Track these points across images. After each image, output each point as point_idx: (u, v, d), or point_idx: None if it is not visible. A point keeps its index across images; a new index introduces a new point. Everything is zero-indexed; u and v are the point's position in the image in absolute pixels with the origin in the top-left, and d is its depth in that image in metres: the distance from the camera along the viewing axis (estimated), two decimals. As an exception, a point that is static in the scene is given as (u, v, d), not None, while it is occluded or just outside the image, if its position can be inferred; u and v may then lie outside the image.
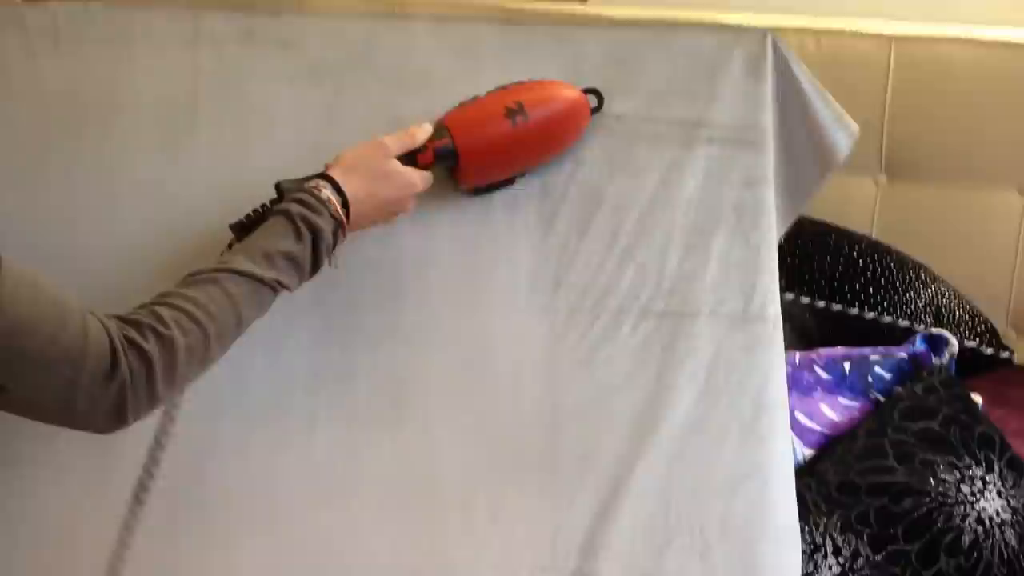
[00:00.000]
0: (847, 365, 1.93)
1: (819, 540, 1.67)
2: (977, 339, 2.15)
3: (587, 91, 1.52)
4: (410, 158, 1.37)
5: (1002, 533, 1.67)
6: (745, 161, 1.59)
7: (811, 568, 1.64)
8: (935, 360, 1.93)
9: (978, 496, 1.70)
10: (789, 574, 1.50)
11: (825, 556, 1.65)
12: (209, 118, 1.57)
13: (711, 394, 1.52)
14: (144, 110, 1.57)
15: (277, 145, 1.55)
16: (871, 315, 2.10)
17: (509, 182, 1.51)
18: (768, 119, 1.60)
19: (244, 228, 1.32)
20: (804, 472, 1.78)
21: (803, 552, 1.55)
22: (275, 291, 1.24)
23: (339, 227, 1.29)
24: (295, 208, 1.27)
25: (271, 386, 1.45)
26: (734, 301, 1.56)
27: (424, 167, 1.38)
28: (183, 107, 1.57)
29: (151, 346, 1.12)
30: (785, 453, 1.54)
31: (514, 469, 1.47)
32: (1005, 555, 1.66)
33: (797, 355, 1.95)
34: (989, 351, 2.14)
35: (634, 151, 1.57)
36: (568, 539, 1.45)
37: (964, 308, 2.18)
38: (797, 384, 1.90)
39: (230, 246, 1.33)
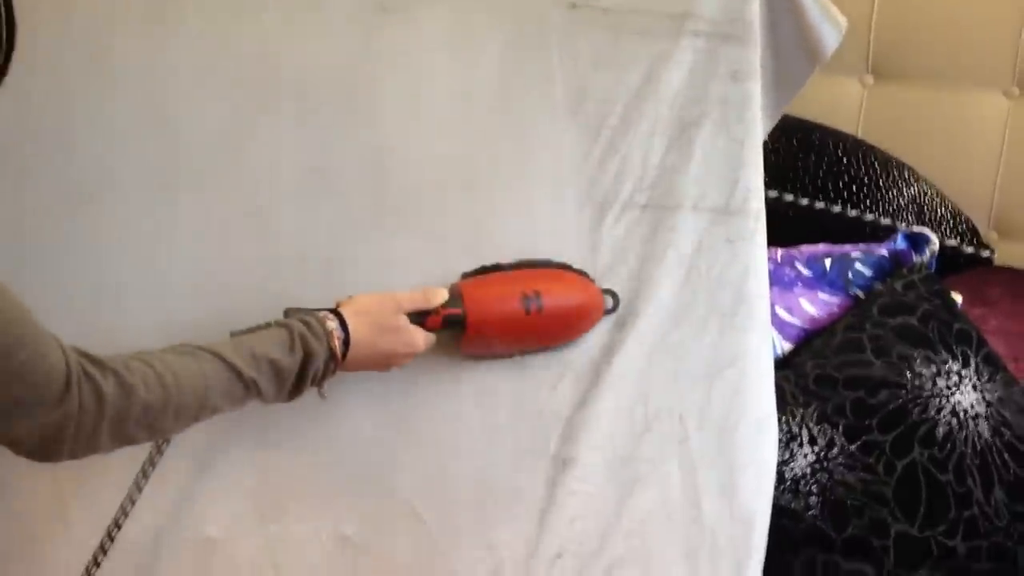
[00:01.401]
0: (828, 261, 1.95)
1: (795, 430, 1.70)
2: (958, 238, 2.17)
3: (605, 291, 1.51)
4: (419, 317, 1.36)
5: (976, 426, 1.70)
6: (731, 55, 1.58)
7: (786, 456, 1.67)
8: (916, 258, 1.95)
9: (953, 389, 1.73)
10: (765, 462, 1.54)
11: (801, 445, 1.69)
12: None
13: (691, 286, 1.54)
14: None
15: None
16: (853, 213, 2.12)
17: (508, 355, 1.50)
18: (755, 12, 1.58)
19: None
20: (782, 365, 1.80)
21: (779, 441, 1.58)
22: (249, 391, 1.21)
23: (332, 359, 1.28)
24: (297, 326, 1.26)
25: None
26: (717, 195, 1.57)
27: (431, 329, 1.38)
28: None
29: (109, 388, 1.08)
30: (764, 344, 1.57)
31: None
32: (978, 447, 1.69)
33: (779, 251, 1.96)
34: (970, 250, 2.16)
35: (620, 44, 1.56)
36: (549, 424, 1.48)
37: (946, 207, 2.20)
38: (778, 279, 1.92)
39: None
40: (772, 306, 1.86)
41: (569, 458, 1.47)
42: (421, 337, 1.36)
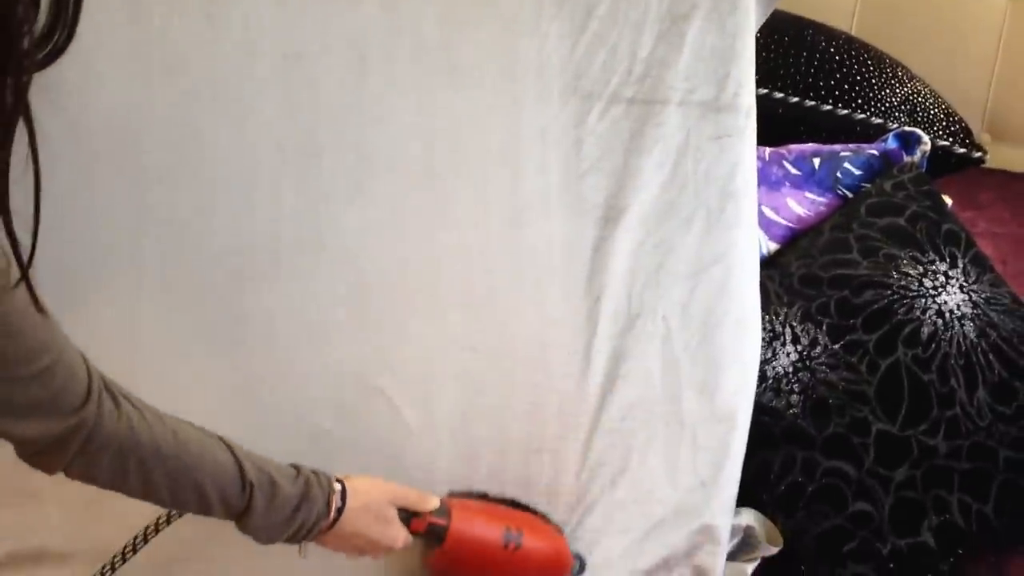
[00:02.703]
0: (817, 160, 1.93)
1: (779, 328, 1.69)
2: (950, 138, 2.14)
3: (575, 554, 1.46)
4: (405, 515, 1.33)
5: (961, 326, 1.70)
6: (724, -57, 1.53)
7: (769, 355, 1.67)
8: (907, 158, 1.92)
9: (940, 290, 1.72)
10: (748, 359, 1.54)
11: (784, 344, 1.69)
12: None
13: (678, 181, 1.52)
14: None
15: None
16: (844, 111, 2.09)
17: None
18: (749, -101, 1.54)
19: None
20: (768, 264, 1.79)
21: (762, 340, 1.58)
22: (243, 493, 1.16)
23: (323, 520, 1.23)
24: (306, 468, 1.23)
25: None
26: (706, 89, 1.53)
27: (413, 532, 1.34)
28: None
29: (129, 409, 1.07)
30: (750, 242, 1.56)
31: (480, 254, 1.47)
32: (963, 347, 1.69)
33: (767, 150, 1.94)
34: (962, 150, 2.14)
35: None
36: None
37: (939, 107, 2.17)
38: (765, 179, 1.90)
39: None
40: (759, 205, 1.85)
41: (552, 353, 1.47)
42: (401, 536, 1.33)
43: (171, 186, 1.38)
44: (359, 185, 1.42)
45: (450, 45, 1.47)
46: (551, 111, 1.50)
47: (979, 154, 2.16)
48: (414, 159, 1.45)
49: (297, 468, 1.23)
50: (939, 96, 2.19)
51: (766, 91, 2.07)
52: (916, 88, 2.16)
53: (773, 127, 1.98)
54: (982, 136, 2.32)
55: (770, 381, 1.66)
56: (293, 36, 1.41)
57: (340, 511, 1.25)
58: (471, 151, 1.46)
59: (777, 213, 1.89)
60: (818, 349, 1.68)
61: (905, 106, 2.12)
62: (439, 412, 1.44)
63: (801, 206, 1.90)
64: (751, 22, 1.55)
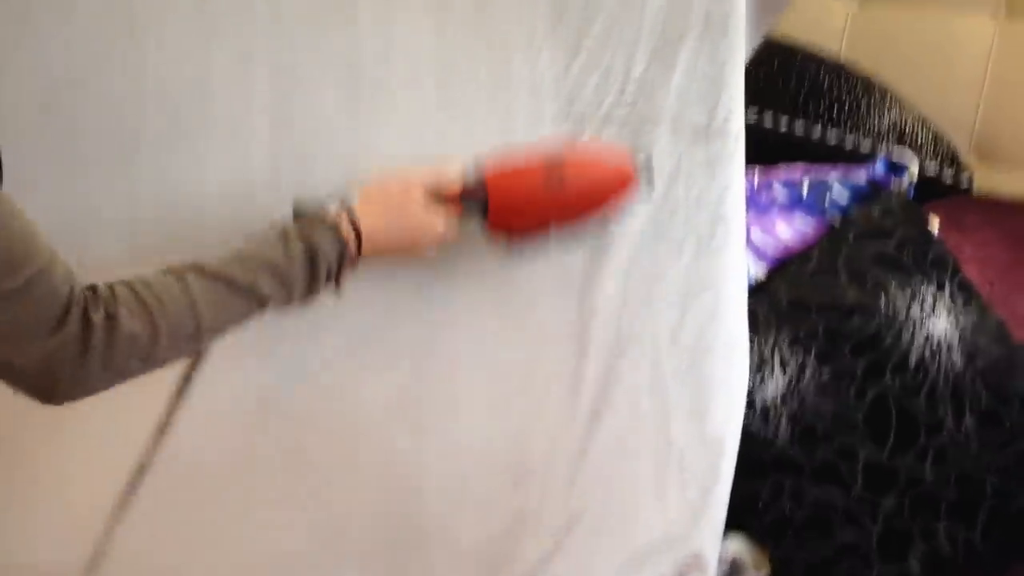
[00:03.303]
0: (806, 185, 1.93)
1: (767, 354, 1.69)
2: (938, 164, 2.15)
3: (642, 161, 1.43)
4: (439, 199, 1.30)
5: (949, 354, 1.70)
6: (716, -30, 1.54)
7: (758, 381, 1.67)
8: (894, 183, 1.93)
9: (927, 316, 1.72)
10: (736, 385, 1.54)
11: (772, 370, 1.68)
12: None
13: (669, 206, 1.52)
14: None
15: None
16: (833, 136, 2.09)
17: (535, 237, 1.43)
18: (743, -71, 1.54)
19: None
20: (757, 289, 1.79)
21: (751, 366, 1.57)
22: (249, 297, 1.15)
23: (344, 250, 1.22)
24: (292, 224, 1.21)
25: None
26: (697, 113, 1.53)
27: (451, 206, 1.31)
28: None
29: (98, 320, 1.04)
30: (739, 267, 1.55)
31: (478, 288, 1.47)
32: (950, 375, 1.69)
33: (757, 174, 1.94)
34: (949, 176, 2.15)
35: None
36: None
37: (927, 132, 2.18)
38: (755, 203, 1.90)
39: None
40: (748, 229, 1.85)
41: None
42: (440, 221, 1.30)
43: (163, 198, 1.38)
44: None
45: (443, 64, 1.47)
46: (543, 131, 1.49)
47: (966, 181, 2.17)
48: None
49: (282, 229, 1.19)
50: (927, 121, 2.19)
51: (756, 114, 2.07)
52: (904, 113, 2.16)
53: (763, 150, 1.98)
54: (969, 159, 2.32)
55: (759, 408, 1.66)
56: (286, 51, 1.41)
57: (359, 234, 1.23)
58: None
59: (766, 237, 1.89)
60: (806, 376, 1.67)
61: (893, 131, 2.13)
62: (427, 435, 1.43)
63: (790, 230, 1.90)
64: (742, 48, 1.56)
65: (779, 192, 1.93)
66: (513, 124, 1.49)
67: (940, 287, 1.76)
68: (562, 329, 1.49)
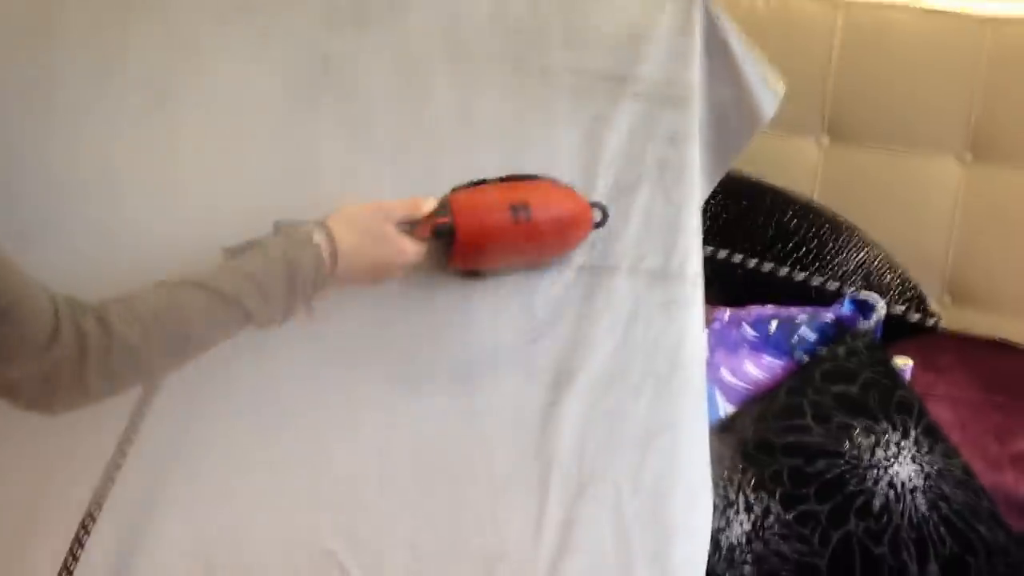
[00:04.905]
0: (774, 324, 1.95)
1: (732, 496, 1.68)
2: (905, 304, 2.16)
3: (594, 204, 1.51)
4: (408, 227, 1.35)
5: (913, 499, 1.69)
6: (670, 118, 1.57)
7: (723, 523, 1.65)
8: (861, 323, 1.94)
9: (892, 460, 1.72)
10: (700, 529, 1.52)
11: (737, 512, 1.67)
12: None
13: (628, 348, 1.53)
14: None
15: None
16: (801, 276, 2.11)
17: (497, 271, 1.50)
18: (695, 76, 1.58)
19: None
20: (724, 428, 1.79)
21: (716, 507, 1.57)
22: (235, 310, 1.18)
23: (322, 268, 1.26)
24: (273, 240, 1.25)
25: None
26: (654, 258, 1.56)
27: (419, 238, 1.37)
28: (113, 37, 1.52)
29: (90, 327, 1.07)
30: (699, 411, 1.55)
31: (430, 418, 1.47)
32: (915, 520, 1.67)
33: (727, 312, 1.96)
34: (916, 317, 2.16)
35: (558, 104, 1.56)
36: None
37: (894, 273, 2.20)
38: (724, 341, 1.92)
39: None
40: (718, 368, 1.87)
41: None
42: (410, 246, 1.35)
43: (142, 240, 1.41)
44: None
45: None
46: (501, 277, 1.52)
47: (933, 321, 2.18)
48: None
49: (263, 245, 1.23)
50: (894, 262, 2.22)
51: (725, 254, 2.10)
52: (871, 254, 2.19)
53: (732, 289, 2.00)
54: (943, 298, 2.34)
55: (724, 551, 1.64)
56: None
57: (334, 254, 1.26)
58: (414, 323, 1.48)
59: (735, 375, 1.90)
60: (771, 518, 1.66)
61: (860, 271, 2.15)
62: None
63: (759, 369, 1.91)
64: (697, 193, 1.59)
65: (748, 330, 1.95)
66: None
67: (905, 432, 1.76)
68: (522, 470, 1.48)
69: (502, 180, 1.47)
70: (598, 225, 1.51)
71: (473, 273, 1.49)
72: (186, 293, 1.16)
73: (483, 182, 1.46)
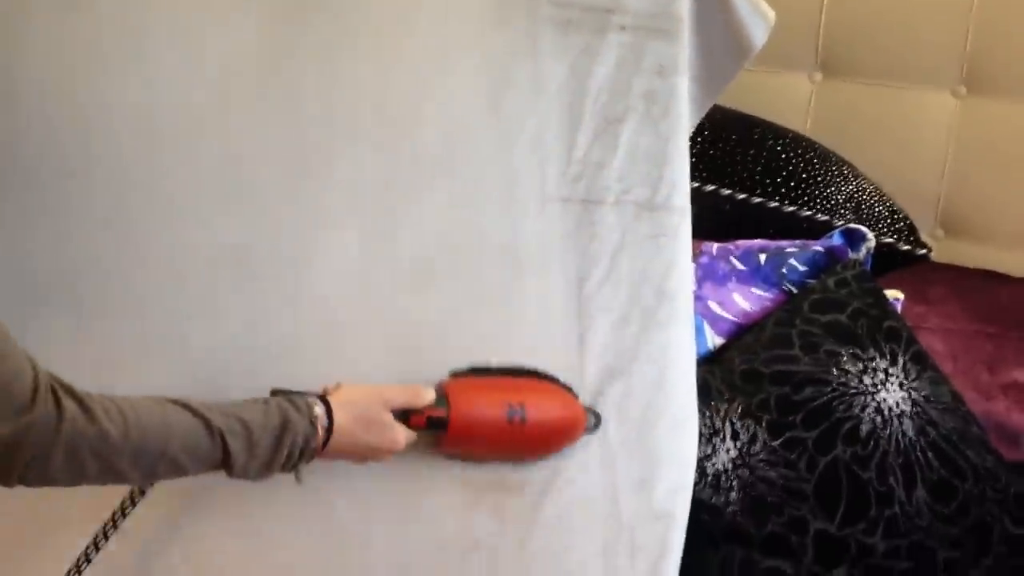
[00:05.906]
0: (763, 256, 1.95)
1: (718, 424, 1.70)
2: (895, 235, 2.17)
3: (588, 409, 1.51)
4: (403, 414, 1.36)
5: (900, 424, 1.71)
6: (658, 49, 1.56)
7: (709, 451, 1.67)
8: (851, 254, 1.94)
9: (879, 387, 1.73)
10: (686, 458, 1.55)
11: (723, 440, 1.69)
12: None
13: (613, 280, 1.54)
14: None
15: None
16: (790, 208, 2.12)
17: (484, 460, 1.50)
18: (683, 7, 1.56)
19: None
20: (711, 359, 1.81)
21: (702, 435, 1.59)
22: (216, 445, 1.17)
23: (312, 441, 1.25)
24: (275, 398, 1.25)
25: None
26: (641, 190, 1.56)
27: (414, 428, 1.37)
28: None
29: (69, 405, 1.05)
30: (686, 340, 1.57)
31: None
32: (901, 445, 1.69)
33: (714, 245, 1.96)
34: (905, 247, 2.17)
35: (544, 37, 1.55)
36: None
37: (884, 204, 2.20)
38: (712, 274, 1.92)
39: None
40: (705, 300, 1.88)
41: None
42: (403, 435, 1.35)
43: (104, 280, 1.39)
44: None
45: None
46: (488, 214, 1.52)
47: (923, 251, 2.19)
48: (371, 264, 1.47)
49: (267, 400, 1.23)
50: (883, 193, 2.22)
51: (714, 187, 2.10)
52: (861, 186, 2.19)
53: (721, 223, 2.01)
54: (936, 231, 2.35)
55: (709, 478, 1.66)
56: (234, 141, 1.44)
57: (329, 429, 1.25)
58: (404, 256, 1.49)
59: (723, 308, 1.91)
60: (758, 446, 1.68)
61: (850, 203, 2.16)
62: (374, 509, 1.44)
63: (747, 301, 1.92)
64: (685, 125, 1.59)
65: (737, 263, 1.95)
66: (458, 214, 1.51)
67: (893, 359, 1.77)
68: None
69: (501, 371, 1.47)
70: (589, 430, 1.50)
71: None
72: (173, 410, 1.15)
73: (486, 370, 1.47)
